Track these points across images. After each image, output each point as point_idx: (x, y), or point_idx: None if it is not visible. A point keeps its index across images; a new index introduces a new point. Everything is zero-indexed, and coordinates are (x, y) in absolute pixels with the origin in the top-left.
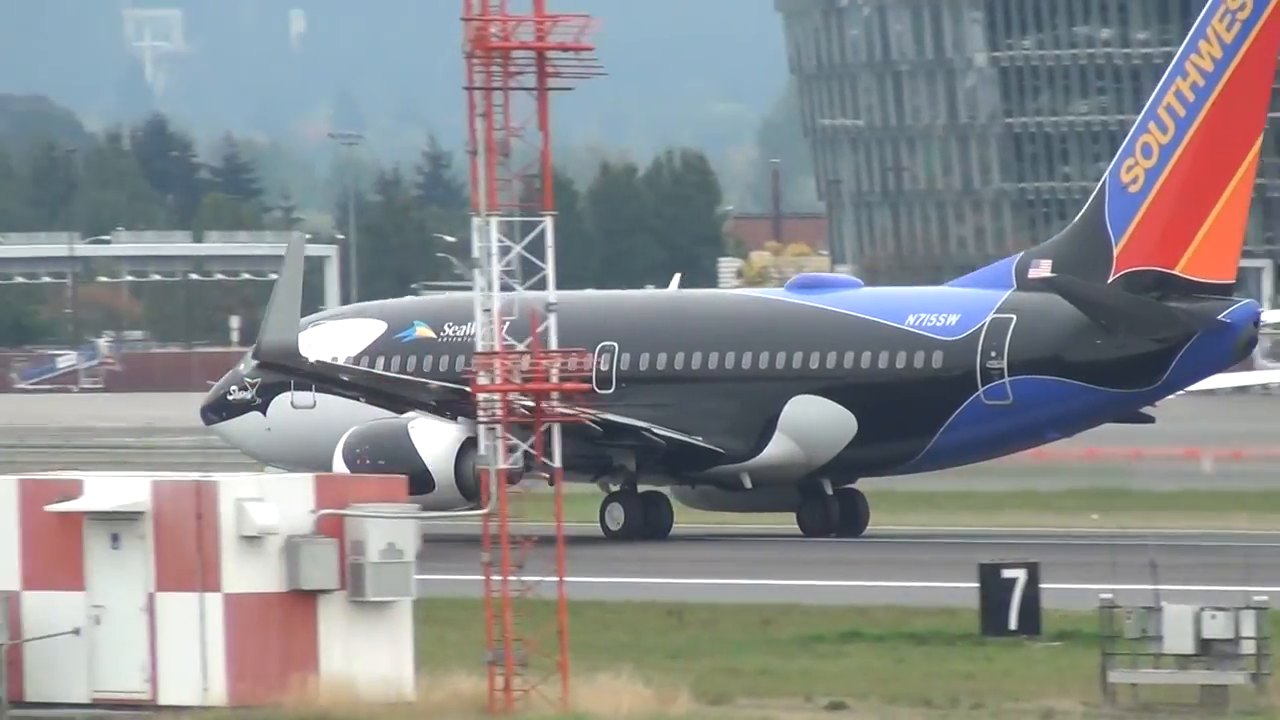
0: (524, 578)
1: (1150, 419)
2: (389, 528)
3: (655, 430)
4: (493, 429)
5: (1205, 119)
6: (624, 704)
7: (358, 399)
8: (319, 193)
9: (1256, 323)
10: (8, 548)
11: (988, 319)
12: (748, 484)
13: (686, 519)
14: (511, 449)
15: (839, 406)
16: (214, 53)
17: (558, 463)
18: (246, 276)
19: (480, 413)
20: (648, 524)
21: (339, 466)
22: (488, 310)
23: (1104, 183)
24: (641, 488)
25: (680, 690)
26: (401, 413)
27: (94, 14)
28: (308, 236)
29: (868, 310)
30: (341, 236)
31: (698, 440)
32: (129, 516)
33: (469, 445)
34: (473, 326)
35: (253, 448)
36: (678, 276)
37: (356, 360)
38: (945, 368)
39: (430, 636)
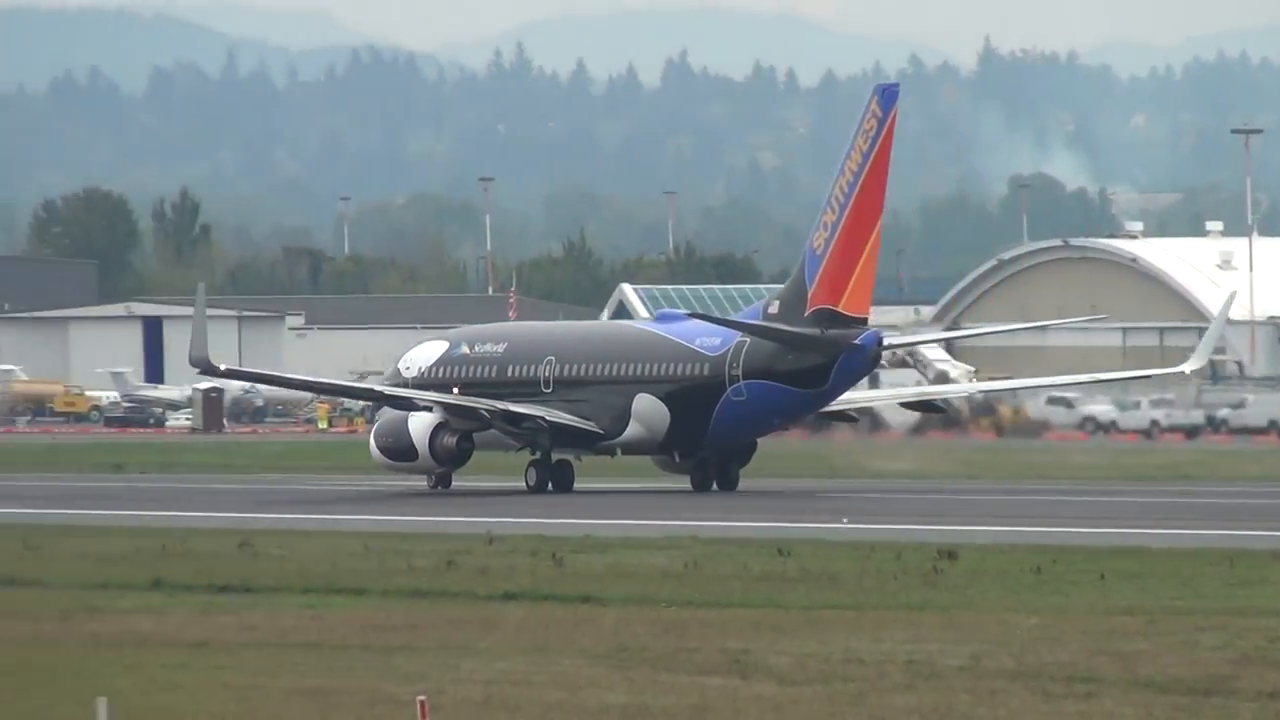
0: None
1: (855, 418)
2: None
3: (547, 417)
4: None
5: (853, 204)
6: None
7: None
8: None
9: (880, 343)
10: None
11: (734, 341)
12: (619, 454)
13: (585, 480)
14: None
15: (660, 401)
16: None
17: None
18: None
19: None
20: (556, 482)
21: (371, 444)
22: None
23: (805, 247)
24: (556, 456)
25: None
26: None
27: None
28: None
29: (679, 335)
30: None
31: (588, 425)
32: None
33: (440, 428)
34: (488, 346)
35: None
36: (606, 311)
37: (432, 366)
38: (710, 374)
39: None
